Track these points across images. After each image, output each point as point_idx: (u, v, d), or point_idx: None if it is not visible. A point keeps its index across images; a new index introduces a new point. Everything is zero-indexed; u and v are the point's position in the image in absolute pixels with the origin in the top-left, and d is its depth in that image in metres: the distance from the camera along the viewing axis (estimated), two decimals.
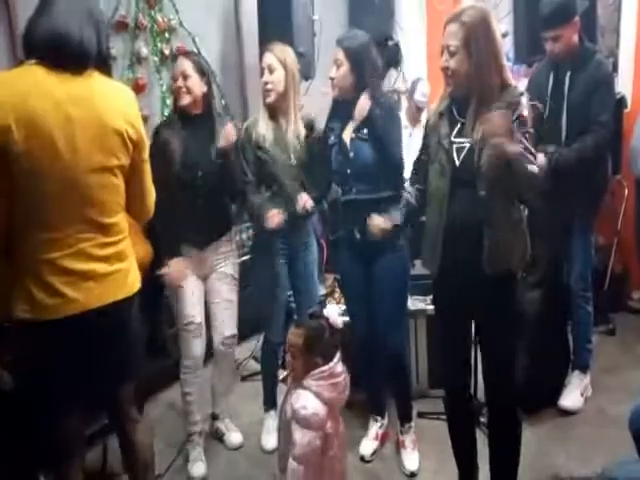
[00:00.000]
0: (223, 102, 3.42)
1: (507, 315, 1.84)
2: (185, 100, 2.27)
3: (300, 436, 1.67)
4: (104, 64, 1.59)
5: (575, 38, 2.43)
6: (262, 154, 2.35)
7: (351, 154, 2.20)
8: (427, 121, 1.97)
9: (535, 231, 2.66)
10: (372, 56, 2.21)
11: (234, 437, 2.56)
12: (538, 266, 2.58)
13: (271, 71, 2.33)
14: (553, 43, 2.44)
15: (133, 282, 1.65)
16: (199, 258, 2.35)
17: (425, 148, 1.94)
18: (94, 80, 1.53)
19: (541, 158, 2.35)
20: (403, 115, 3.83)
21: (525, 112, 1.73)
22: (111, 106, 1.53)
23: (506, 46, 3.61)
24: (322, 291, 3.13)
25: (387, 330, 2.29)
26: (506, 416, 1.91)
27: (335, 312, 1.80)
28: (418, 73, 3.83)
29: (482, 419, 2.33)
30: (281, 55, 2.36)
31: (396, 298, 2.32)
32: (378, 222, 2.01)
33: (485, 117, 1.69)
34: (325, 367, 1.71)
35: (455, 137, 1.79)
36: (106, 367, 1.61)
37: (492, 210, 1.73)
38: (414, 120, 3.75)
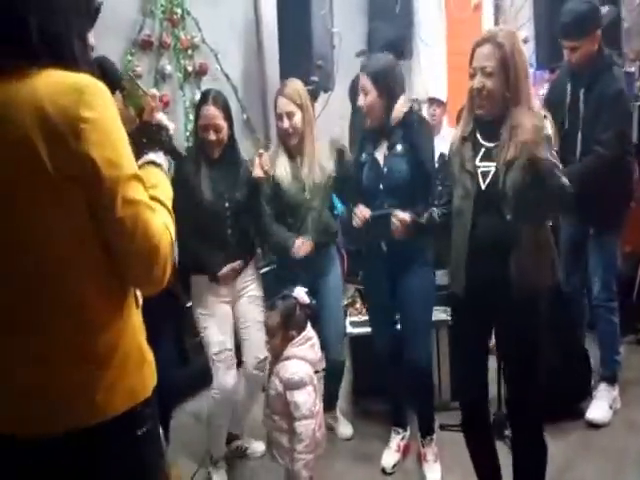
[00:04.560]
0: (245, 116, 3.49)
1: (532, 334, 1.84)
2: (216, 153, 2.30)
3: (301, 398, 1.90)
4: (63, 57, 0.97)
5: (594, 48, 2.38)
6: (280, 190, 2.38)
7: (385, 170, 2.22)
8: (450, 145, 1.98)
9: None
10: (397, 76, 2.24)
11: (257, 446, 2.58)
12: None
13: (290, 117, 2.34)
14: (571, 53, 2.41)
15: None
16: (228, 284, 2.37)
17: (448, 171, 1.96)
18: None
19: None
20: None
21: (550, 131, 1.74)
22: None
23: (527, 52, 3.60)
24: (344, 302, 3.16)
25: (413, 343, 2.30)
26: (530, 432, 1.89)
27: (302, 292, 2.02)
28: (437, 81, 3.84)
29: (507, 432, 2.30)
30: (296, 97, 2.36)
31: (422, 311, 2.32)
32: (403, 216, 2.06)
33: (518, 122, 1.71)
34: (302, 334, 1.97)
35: (480, 161, 1.80)
36: None
37: (518, 233, 1.74)
38: (435, 126, 3.75)
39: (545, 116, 1.78)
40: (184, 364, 2.82)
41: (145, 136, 1.22)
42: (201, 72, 3.24)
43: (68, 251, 0.95)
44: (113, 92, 1.02)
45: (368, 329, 2.56)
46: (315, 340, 2.02)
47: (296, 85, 2.41)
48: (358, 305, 3.06)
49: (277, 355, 1.98)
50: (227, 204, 2.31)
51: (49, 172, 0.90)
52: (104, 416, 0.99)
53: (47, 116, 0.89)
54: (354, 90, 2.53)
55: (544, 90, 3.52)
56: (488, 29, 1.85)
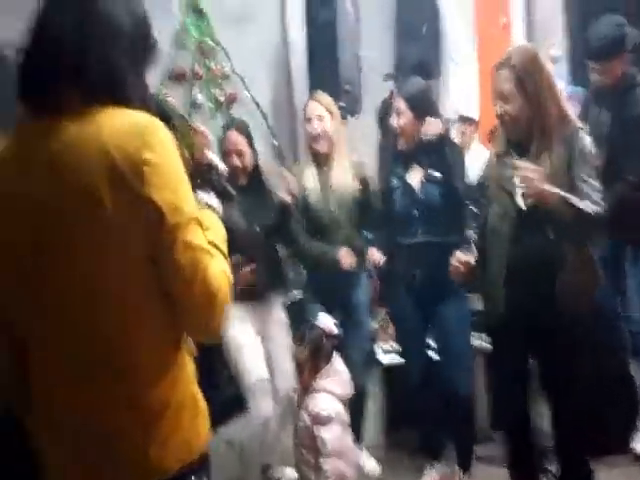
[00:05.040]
0: (276, 143, 3.53)
1: (576, 359, 1.78)
2: (242, 179, 2.30)
3: (327, 434, 1.86)
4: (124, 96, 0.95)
5: (622, 70, 2.34)
6: (307, 201, 2.38)
7: (421, 196, 2.18)
8: (486, 164, 1.95)
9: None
10: (431, 99, 2.24)
11: (289, 473, 2.51)
12: None
13: (320, 119, 2.35)
14: (598, 75, 2.36)
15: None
16: (259, 310, 2.37)
17: (483, 193, 1.93)
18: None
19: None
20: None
21: (586, 145, 1.69)
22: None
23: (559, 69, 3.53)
24: (374, 326, 3.13)
25: (453, 372, 2.24)
26: (576, 465, 1.83)
27: (328, 320, 2.00)
28: (468, 99, 3.79)
29: (548, 467, 2.22)
30: (327, 102, 2.39)
31: (461, 338, 2.28)
32: (465, 258, 1.91)
33: (517, 166, 1.68)
34: (331, 366, 1.94)
35: (517, 179, 1.74)
36: None
37: (561, 252, 1.69)
38: (466, 144, 3.70)
39: (581, 127, 1.74)
40: (215, 390, 2.83)
41: (197, 176, 1.19)
42: (231, 100, 3.30)
43: (127, 299, 0.92)
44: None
45: (400, 357, 2.53)
46: (345, 374, 2.00)
47: (325, 95, 2.45)
48: (390, 329, 3.01)
49: (306, 387, 1.97)
50: (257, 228, 2.31)
51: (111, 217, 0.88)
52: (158, 473, 0.94)
53: (113, 162, 0.87)
54: (383, 113, 2.53)
55: (577, 107, 3.47)
56: (507, 50, 1.81)
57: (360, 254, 2.47)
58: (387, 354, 2.78)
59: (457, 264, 1.90)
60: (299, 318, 2.51)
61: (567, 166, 1.69)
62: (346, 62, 3.26)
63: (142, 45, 1.01)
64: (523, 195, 1.71)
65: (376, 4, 3.80)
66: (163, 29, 2.96)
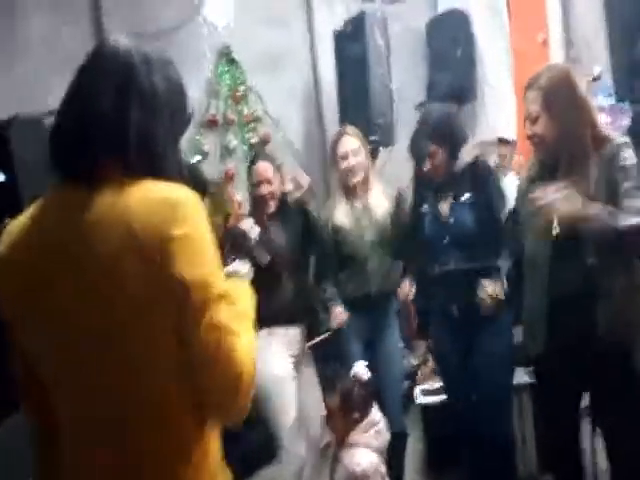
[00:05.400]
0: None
1: (631, 392, 1.64)
2: (272, 207, 2.30)
3: None
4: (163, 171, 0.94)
5: None
6: (340, 237, 2.38)
7: (450, 220, 2.11)
8: (518, 189, 1.88)
9: None
10: (457, 124, 2.18)
11: None
12: None
13: (355, 154, 2.37)
14: None
15: None
16: (288, 334, 2.33)
17: (516, 216, 1.86)
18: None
19: None
20: (493, 164, 3.67)
21: (628, 163, 1.60)
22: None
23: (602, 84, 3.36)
24: (413, 361, 3.05)
25: (491, 414, 2.13)
26: None
27: (361, 367, 1.94)
28: (505, 119, 3.69)
29: None
30: (359, 136, 2.42)
31: (501, 377, 2.16)
32: (492, 289, 1.87)
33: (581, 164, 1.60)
34: (365, 419, 1.86)
35: None
36: None
37: (604, 278, 1.60)
38: (505, 168, 3.58)
39: (625, 143, 1.64)
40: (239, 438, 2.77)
41: (229, 243, 1.23)
42: (264, 142, 3.39)
43: (153, 375, 0.89)
44: (200, 198, 0.98)
45: (440, 397, 2.44)
46: (382, 425, 1.93)
47: (355, 128, 2.48)
48: (430, 364, 2.92)
49: (341, 439, 1.91)
50: (282, 252, 2.27)
51: (134, 293, 0.86)
52: None
53: (135, 236, 0.85)
54: (414, 144, 2.49)
55: (626, 121, 3.27)
56: (537, 71, 1.74)
57: (394, 281, 2.43)
58: (426, 396, 2.69)
59: (484, 297, 1.84)
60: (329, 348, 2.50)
61: (609, 187, 1.59)
62: (377, 95, 3.24)
63: (179, 115, 1.00)
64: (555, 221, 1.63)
65: (406, 33, 3.80)
66: (196, 78, 3.14)
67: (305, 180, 2.40)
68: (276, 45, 3.44)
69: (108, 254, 0.87)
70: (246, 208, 2.62)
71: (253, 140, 3.35)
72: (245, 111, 3.33)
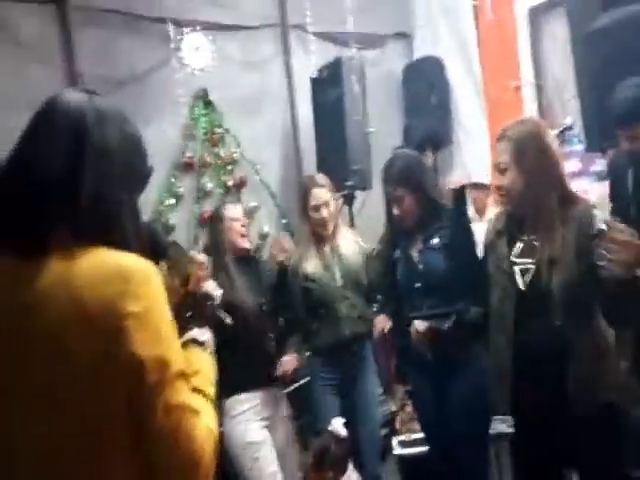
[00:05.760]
0: (284, 221, 3.55)
1: (615, 461, 1.59)
2: (246, 244, 2.35)
3: None
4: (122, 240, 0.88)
5: None
6: (309, 284, 2.36)
7: (420, 266, 2.10)
8: (485, 240, 1.86)
9: None
10: (427, 170, 2.20)
11: None
12: None
13: (327, 206, 2.37)
14: (631, 141, 2.21)
15: None
16: (269, 402, 2.26)
17: (484, 267, 1.82)
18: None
19: None
20: (469, 207, 3.70)
21: (603, 226, 1.57)
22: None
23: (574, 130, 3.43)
24: (392, 407, 2.98)
25: (465, 460, 2.07)
26: None
27: (338, 424, 1.88)
28: (480, 164, 3.74)
29: None
30: (329, 186, 2.42)
31: (474, 422, 2.06)
32: (417, 325, 1.90)
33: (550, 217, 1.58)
34: (340, 475, 1.79)
35: (517, 257, 1.65)
36: None
37: (572, 339, 1.55)
38: (480, 211, 3.61)
39: (594, 206, 1.64)
40: None
41: (190, 309, 1.12)
42: (240, 185, 3.37)
43: (98, 461, 0.83)
44: (158, 262, 0.93)
45: (418, 449, 2.37)
46: None
47: (323, 176, 2.49)
48: (408, 409, 2.85)
49: None
50: (264, 307, 2.28)
51: (80, 372, 0.80)
52: None
53: (86, 310, 0.79)
54: (384, 189, 2.49)
55: (598, 167, 3.34)
56: (506, 124, 1.74)
57: (367, 322, 2.40)
58: (405, 447, 2.62)
59: (413, 332, 1.87)
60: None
61: (579, 250, 1.56)
62: (354, 141, 3.26)
63: (136, 174, 0.94)
64: (523, 272, 1.60)
65: (382, 79, 3.87)
66: (172, 120, 3.12)
67: (289, 245, 2.43)
68: (253, 88, 3.46)
69: (54, 329, 0.80)
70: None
71: (229, 183, 3.32)
72: (222, 153, 3.31)
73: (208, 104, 3.28)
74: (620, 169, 2.34)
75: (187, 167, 3.19)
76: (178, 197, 3.13)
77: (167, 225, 3.07)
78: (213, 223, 2.36)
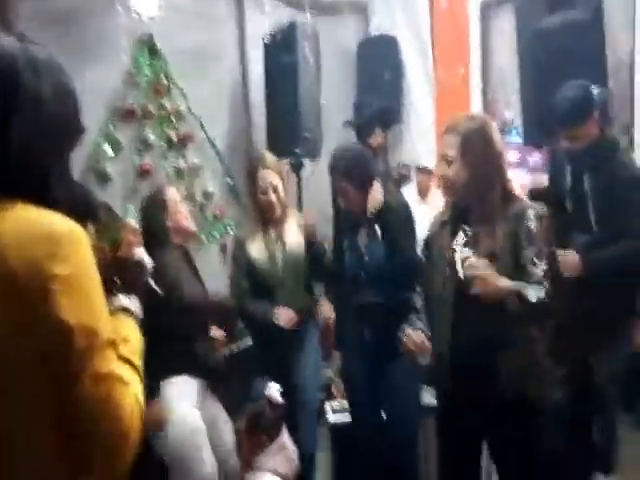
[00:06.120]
0: (231, 182, 3.44)
1: (527, 446, 1.69)
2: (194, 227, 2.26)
3: None
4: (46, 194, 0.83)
5: (595, 132, 2.24)
6: (255, 267, 2.33)
7: (365, 257, 2.15)
8: (429, 229, 1.91)
9: (565, 327, 2.51)
10: (373, 166, 2.20)
11: None
12: (566, 362, 2.41)
13: (275, 189, 2.30)
14: (571, 142, 2.30)
15: None
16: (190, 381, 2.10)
17: (427, 257, 1.88)
18: None
19: (573, 257, 2.23)
20: (413, 189, 3.77)
21: (532, 225, 1.65)
22: None
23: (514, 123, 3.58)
24: (329, 374, 3.02)
25: (397, 438, 2.15)
26: None
27: (275, 390, 1.87)
28: (427, 147, 3.81)
29: None
30: (278, 168, 2.35)
31: (408, 405, 2.19)
32: (416, 338, 1.77)
33: (490, 212, 1.64)
34: (274, 443, 1.78)
35: (459, 247, 1.69)
36: None
37: (505, 329, 1.62)
38: (424, 194, 3.69)
39: (530, 206, 1.71)
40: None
41: (118, 275, 1.06)
42: (185, 140, 3.20)
43: (23, 433, 0.78)
44: (86, 224, 0.88)
45: (347, 419, 2.41)
46: (291, 450, 1.85)
47: (274, 157, 2.40)
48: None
49: (247, 462, 1.81)
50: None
51: (2, 338, 0.74)
52: None
53: (9, 269, 0.74)
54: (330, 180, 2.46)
55: (536, 158, 3.51)
56: (454, 117, 1.79)
57: (307, 309, 2.40)
58: (336, 413, 2.64)
59: (408, 342, 1.77)
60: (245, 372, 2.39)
61: (513, 246, 1.64)
62: (305, 108, 3.20)
63: (69, 128, 0.89)
64: (464, 262, 1.64)
65: (337, 51, 3.83)
66: (114, 66, 2.90)
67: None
68: (204, 43, 3.27)
69: None
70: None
71: (173, 137, 3.15)
72: (167, 105, 3.12)
73: (153, 51, 3.07)
74: (558, 166, 2.48)
75: (128, 115, 2.97)
76: (116, 146, 2.92)
77: (103, 174, 2.86)
78: (154, 205, 2.13)
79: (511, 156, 3.51)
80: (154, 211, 2.10)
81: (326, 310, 2.30)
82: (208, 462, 1.90)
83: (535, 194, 2.64)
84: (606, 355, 2.36)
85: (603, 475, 2.44)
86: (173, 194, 2.18)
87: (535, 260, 1.61)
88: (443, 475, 1.93)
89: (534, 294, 1.54)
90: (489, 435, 1.77)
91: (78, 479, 0.84)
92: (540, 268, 1.61)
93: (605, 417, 2.43)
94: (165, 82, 3.11)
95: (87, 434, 0.78)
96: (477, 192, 1.67)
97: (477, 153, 1.65)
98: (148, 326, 1.05)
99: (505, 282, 1.56)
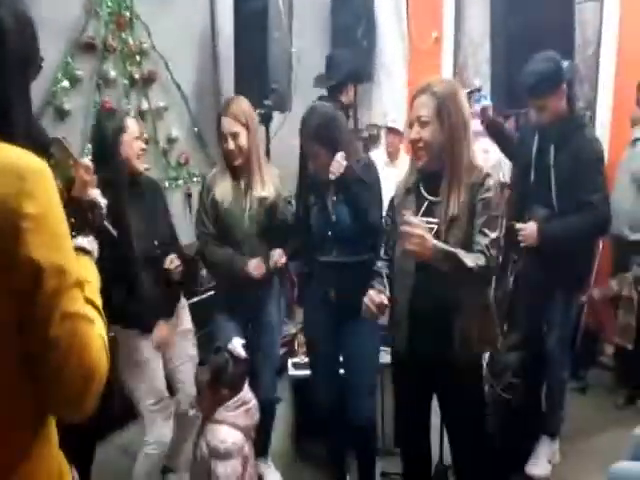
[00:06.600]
0: (196, 129, 3.30)
1: (472, 395, 1.83)
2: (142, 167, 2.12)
3: (223, 469, 1.71)
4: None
5: (563, 105, 2.30)
6: (218, 211, 2.26)
7: (333, 217, 2.14)
8: (393, 197, 1.91)
9: (516, 294, 2.62)
10: (344, 127, 2.16)
11: None
12: (517, 329, 2.52)
13: (235, 137, 2.20)
14: (539, 113, 2.33)
15: None
16: (168, 326, 2.15)
17: (391, 222, 1.88)
18: None
19: (532, 226, 2.31)
20: (382, 150, 3.76)
21: (489, 194, 1.68)
22: None
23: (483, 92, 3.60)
24: (292, 329, 3.04)
25: (357, 393, 2.20)
26: None
27: (239, 344, 1.86)
28: (397, 109, 3.79)
29: None
30: (241, 117, 2.22)
31: (368, 360, 2.23)
32: (378, 299, 1.78)
33: (457, 178, 1.67)
34: (236, 397, 1.78)
35: (422, 216, 1.71)
36: None
37: (459, 293, 1.68)
38: (393, 156, 3.69)
39: (488, 174, 1.72)
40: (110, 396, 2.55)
41: (74, 215, 1.03)
42: (149, 80, 3.03)
43: None
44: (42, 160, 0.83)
45: (307, 372, 2.44)
46: (252, 404, 1.85)
47: (241, 104, 2.27)
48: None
49: (207, 415, 1.80)
50: (155, 242, 2.10)
51: None
52: None
53: None
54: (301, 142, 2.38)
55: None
56: (427, 79, 1.73)
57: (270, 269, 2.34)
58: (298, 369, 2.67)
59: (370, 304, 1.79)
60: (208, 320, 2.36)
61: (470, 213, 1.67)
62: (275, 58, 3.08)
63: (29, 60, 0.85)
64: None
65: (311, 5, 3.68)
66: None
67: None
68: None
69: None
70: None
71: (136, 75, 2.96)
72: (130, 40, 2.92)
73: None
74: (526, 136, 2.52)
75: (88, 48, 2.76)
76: (75, 80, 2.71)
77: (61, 110, 2.65)
78: (109, 128, 1.99)
79: (476, 125, 3.55)
80: (107, 134, 1.98)
81: (277, 254, 2.25)
82: (155, 392, 2.08)
83: (493, 130, 2.66)
84: (557, 322, 2.48)
85: (549, 438, 2.59)
86: (133, 125, 2.05)
87: (484, 229, 1.65)
88: (397, 426, 2.01)
89: (471, 261, 1.58)
90: (440, 386, 1.86)
91: (44, 417, 0.85)
92: (488, 238, 1.64)
93: (553, 383, 2.56)
94: (128, 15, 2.90)
95: (55, 370, 0.78)
96: (452, 155, 1.67)
97: (453, 116, 1.65)
98: (102, 266, 1.04)
99: (441, 245, 1.58)
